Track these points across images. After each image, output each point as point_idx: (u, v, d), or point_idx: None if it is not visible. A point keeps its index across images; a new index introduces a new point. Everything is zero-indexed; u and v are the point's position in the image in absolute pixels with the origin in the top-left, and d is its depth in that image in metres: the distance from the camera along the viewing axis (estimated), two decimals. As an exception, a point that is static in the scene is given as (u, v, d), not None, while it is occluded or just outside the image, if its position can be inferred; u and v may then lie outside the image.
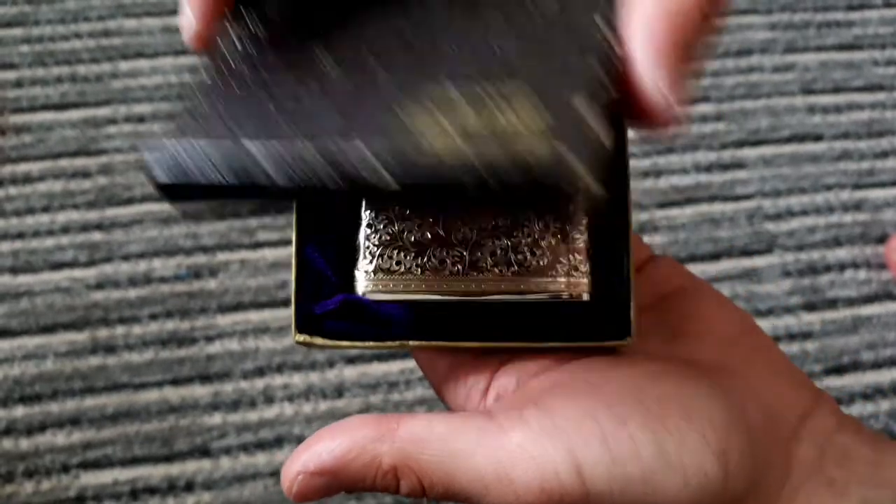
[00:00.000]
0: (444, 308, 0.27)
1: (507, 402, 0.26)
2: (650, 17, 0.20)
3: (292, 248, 0.27)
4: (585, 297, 0.27)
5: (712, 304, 0.29)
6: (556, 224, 0.27)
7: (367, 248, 0.27)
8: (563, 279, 0.26)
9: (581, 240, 0.27)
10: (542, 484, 0.23)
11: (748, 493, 0.24)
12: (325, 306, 0.27)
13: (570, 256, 0.27)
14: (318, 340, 0.27)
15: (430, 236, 0.27)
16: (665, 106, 0.20)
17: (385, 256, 0.27)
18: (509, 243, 0.27)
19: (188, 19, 0.23)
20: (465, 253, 0.27)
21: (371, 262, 0.27)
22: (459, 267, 0.27)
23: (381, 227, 0.27)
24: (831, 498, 0.25)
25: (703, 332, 0.28)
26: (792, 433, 0.26)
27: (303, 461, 0.25)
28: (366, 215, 0.27)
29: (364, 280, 0.27)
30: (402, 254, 0.27)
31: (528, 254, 0.27)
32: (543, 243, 0.27)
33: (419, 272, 0.27)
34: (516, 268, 0.27)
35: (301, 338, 0.27)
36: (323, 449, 0.25)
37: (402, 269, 0.27)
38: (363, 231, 0.27)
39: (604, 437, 0.24)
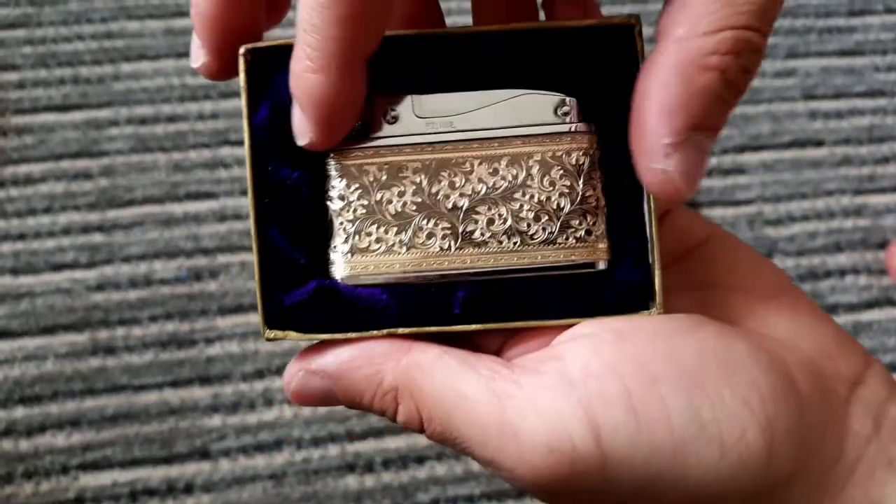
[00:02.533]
0: (433, 288, 0.23)
1: (530, 355, 0.23)
2: (670, 95, 0.20)
3: (252, 232, 0.23)
4: (602, 265, 0.23)
5: (743, 256, 0.25)
6: (564, 181, 0.23)
7: (341, 224, 0.23)
8: (575, 246, 0.23)
9: (593, 197, 0.23)
10: (552, 444, 0.20)
11: (795, 476, 0.21)
12: (296, 296, 0.23)
13: (582, 218, 0.23)
14: (292, 335, 0.23)
15: (413, 206, 0.23)
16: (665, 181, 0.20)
17: (362, 234, 0.23)
18: (509, 209, 0.23)
19: (197, 54, 0.23)
20: (456, 224, 0.23)
21: (346, 241, 0.23)
22: (451, 242, 0.23)
23: (355, 198, 0.23)
24: (893, 479, 0.21)
25: (736, 286, 0.24)
26: (844, 404, 0.22)
27: (307, 359, 0.23)
28: (336, 185, 0.23)
29: (340, 263, 0.23)
30: (382, 229, 0.23)
31: (531, 220, 0.23)
32: (549, 206, 0.23)
33: (403, 251, 0.23)
34: (518, 239, 0.23)
35: (271, 334, 0.23)
36: (329, 352, 0.23)
37: (383, 249, 0.23)
38: (334, 204, 0.23)
39: (629, 397, 0.20)
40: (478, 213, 0.23)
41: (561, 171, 0.23)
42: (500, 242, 0.23)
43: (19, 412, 0.60)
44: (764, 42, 0.20)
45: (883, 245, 0.70)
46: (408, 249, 0.23)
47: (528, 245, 0.23)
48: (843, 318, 0.67)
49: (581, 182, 0.23)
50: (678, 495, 0.21)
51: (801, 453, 0.21)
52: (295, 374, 0.24)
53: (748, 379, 0.21)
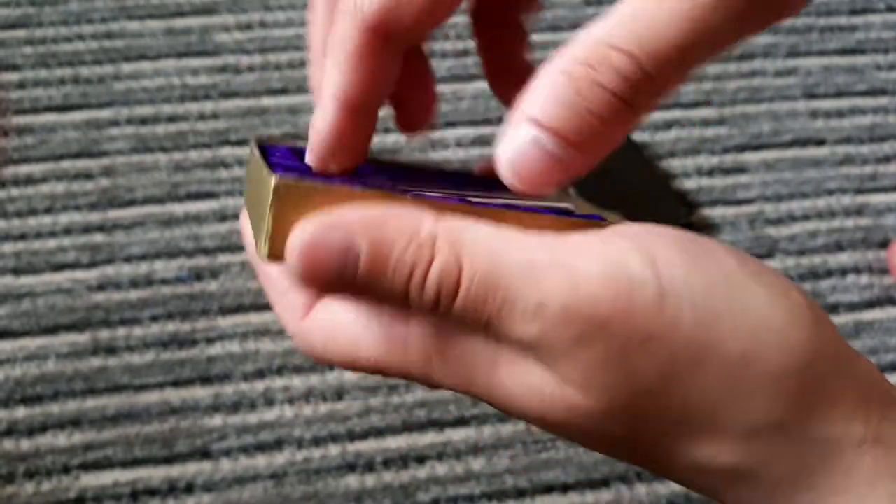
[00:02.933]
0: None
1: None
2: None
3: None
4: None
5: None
6: None
7: None
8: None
9: None
10: (608, 274, 0.19)
11: (845, 368, 0.21)
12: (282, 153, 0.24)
13: None
14: (306, 182, 0.20)
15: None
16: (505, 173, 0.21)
17: None
18: None
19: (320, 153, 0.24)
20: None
21: None
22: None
23: None
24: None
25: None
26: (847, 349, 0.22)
27: (322, 218, 0.20)
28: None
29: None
30: None
31: None
32: None
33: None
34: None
35: (277, 181, 0.20)
36: (353, 209, 0.20)
37: None
38: None
39: (682, 244, 0.20)
40: None
41: None
42: None
43: (20, 412, 0.60)
44: (634, 72, 0.20)
45: (884, 244, 0.70)
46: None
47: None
48: (844, 318, 0.66)
49: None
50: (739, 344, 0.20)
51: (842, 348, 0.21)
52: (305, 231, 0.20)
53: (793, 289, 0.21)
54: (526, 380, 0.21)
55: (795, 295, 0.21)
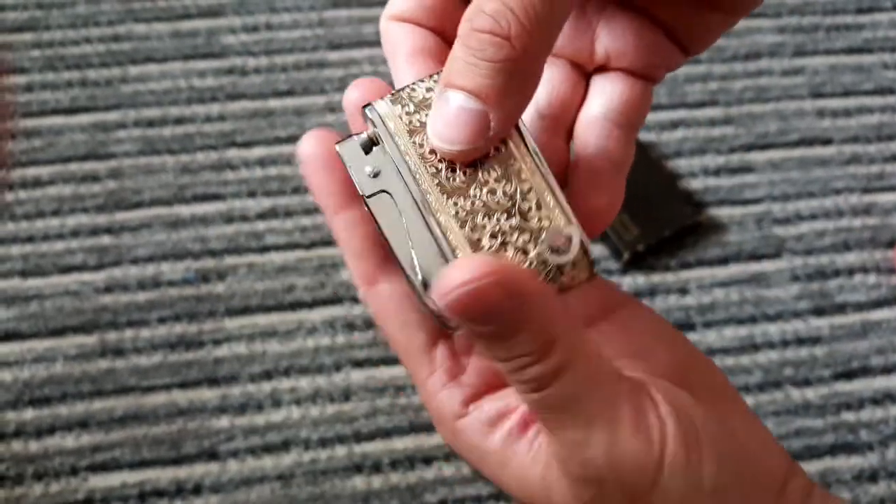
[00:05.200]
0: None
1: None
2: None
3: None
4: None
5: (649, 321, 0.27)
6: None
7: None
8: None
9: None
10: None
11: None
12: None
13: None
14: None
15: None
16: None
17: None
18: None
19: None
20: None
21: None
22: None
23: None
24: None
25: (644, 358, 0.26)
26: (779, 491, 0.25)
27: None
28: None
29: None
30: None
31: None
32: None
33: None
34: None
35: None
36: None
37: None
38: None
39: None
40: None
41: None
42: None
43: (29, 414, 0.60)
44: (504, 12, 0.21)
45: (892, 244, 0.70)
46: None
47: None
48: (851, 318, 0.66)
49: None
50: None
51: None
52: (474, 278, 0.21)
53: (697, 479, 0.24)
54: (555, 487, 0.24)
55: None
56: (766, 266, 0.68)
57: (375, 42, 0.78)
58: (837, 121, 0.75)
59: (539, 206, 0.23)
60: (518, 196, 0.23)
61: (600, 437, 0.22)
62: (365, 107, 0.25)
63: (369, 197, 0.24)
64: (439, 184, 0.24)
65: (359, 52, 0.77)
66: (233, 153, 0.71)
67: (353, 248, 0.26)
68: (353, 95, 0.26)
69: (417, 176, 0.24)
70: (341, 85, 0.75)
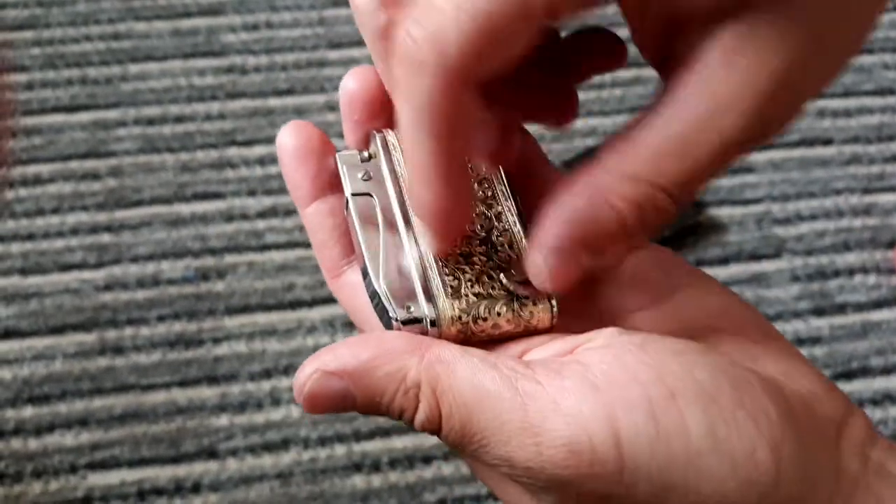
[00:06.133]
0: None
1: (547, 358, 0.23)
2: (564, 215, 0.22)
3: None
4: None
5: (728, 300, 0.26)
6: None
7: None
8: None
9: None
10: (572, 446, 0.21)
11: (800, 501, 0.21)
12: None
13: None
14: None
15: None
16: (538, 280, 0.23)
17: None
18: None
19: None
20: None
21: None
22: None
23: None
24: None
25: (723, 329, 0.25)
26: (834, 442, 0.23)
27: (322, 360, 0.22)
28: None
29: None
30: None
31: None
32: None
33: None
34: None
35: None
36: (347, 352, 0.22)
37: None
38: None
39: (650, 406, 0.21)
40: None
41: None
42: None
43: (28, 411, 0.60)
44: (673, 206, 0.22)
45: (892, 244, 0.69)
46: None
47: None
48: (851, 318, 0.66)
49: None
50: None
51: (805, 484, 0.21)
52: (309, 377, 0.22)
53: (757, 402, 0.21)
54: (506, 489, 0.23)
55: (760, 455, 0.21)
56: (766, 266, 0.68)
57: (376, 41, 0.78)
58: (838, 121, 0.75)
59: (511, 245, 0.25)
60: (494, 232, 0.25)
61: (522, 454, 0.21)
62: (376, 133, 0.26)
63: (354, 195, 0.25)
64: None
65: (359, 51, 0.77)
66: (233, 152, 0.71)
67: (321, 238, 0.26)
68: (349, 85, 0.26)
69: (406, 194, 0.25)
70: (342, 84, 0.75)
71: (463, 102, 0.20)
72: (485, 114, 0.22)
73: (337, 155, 0.26)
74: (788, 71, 0.20)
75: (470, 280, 0.24)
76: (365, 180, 0.25)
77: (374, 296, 0.24)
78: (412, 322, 0.23)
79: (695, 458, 0.21)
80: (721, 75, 0.21)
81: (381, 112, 0.26)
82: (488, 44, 0.19)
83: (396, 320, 0.23)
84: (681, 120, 0.21)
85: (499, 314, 0.24)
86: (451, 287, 0.24)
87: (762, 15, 0.20)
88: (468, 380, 0.22)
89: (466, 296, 0.24)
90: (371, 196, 0.25)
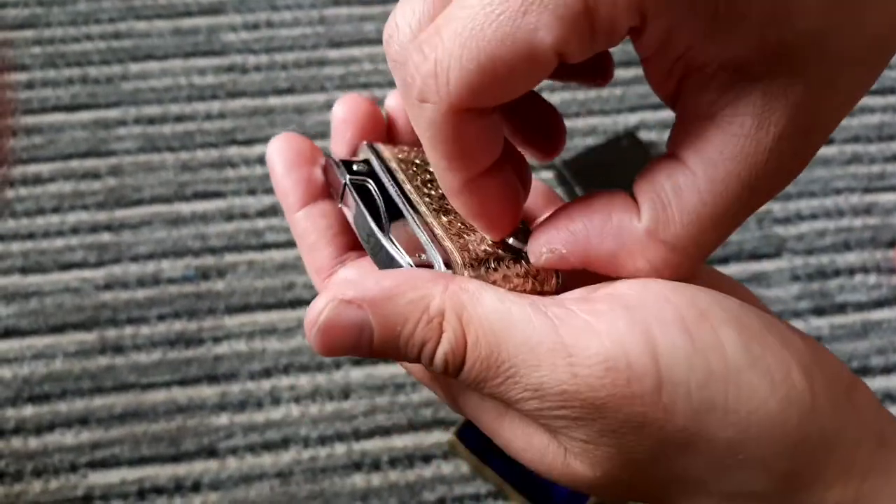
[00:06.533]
0: None
1: (573, 291, 0.23)
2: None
3: None
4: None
5: (727, 282, 0.26)
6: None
7: None
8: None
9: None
10: (608, 363, 0.20)
11: (833, 441, 0.21)
12: None
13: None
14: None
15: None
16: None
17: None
18: None
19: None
20: None
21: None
22: None
23: None
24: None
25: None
26: (848, 395, 0.22)
27: (341, 288, 0.21)
28: None
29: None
30: None
31: None
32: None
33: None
34: None
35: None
36: (368, 279, 0.21)
37: None
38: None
39: (684, 323, 0.20)
40: None
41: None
42: None
43: (28, 410, 0.60)
44: (695, 267, 0.22)
45: (892, 244, 0.69)
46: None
47: None
48: (851, 318, 0.66)
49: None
50: (728, 434, 0.20)
51: (835, 418, 0.21)
52: (324, 308, 0.21)
53: (783, 332, 0.21)
54: (528, 439, 0.22)
55: (795, 376, 0.21)
56: (767, 265, 0.68)
57: (376, 40, 0.78)
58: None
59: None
60: None
61: (554, 377, 0.20)
62: (367, 143, 0.26)
63: (352, 181, 0.25)
64: (426, 194, 0.25)
65: (359, 50, 0.77)
66: (233, 151, 0.71)
67: (312, 240, 0.26)
68: (339, 111, 0.27)
69: (405, 185, 0.25)
70: (341, 83, 0.75)
71: (468, 129, 0.21)
72: (500, 131, 0.22)
73: (329, 156, 0.26)
74: (815, 125, 0.20)
75: (475, 241, 0.24)
76: (359, 171, 0.25)
77: (381, 252, 0.24)
78: (425, 267, 0.23)
79: (734, 374, 0.20)
80: (757, 136, 0.20)
81: (370, 133, 0.27)
82: (491, 83, 0.20)
83: (411, 265, 0.23)
84: (717, 186, 0.21)
85: (508, 267, 0.24)
86: (460, 244, 0.24)
87: (788, 72, 0.20)
88: (495, 306, 0.21)
89: (475, 251, 0.24)
90: (367, 182, 0.25)
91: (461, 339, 0.21)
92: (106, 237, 0.67)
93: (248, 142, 0.72)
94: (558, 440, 0.22)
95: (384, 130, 0.27)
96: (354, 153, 0.27)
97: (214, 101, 0.74)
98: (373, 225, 0.24)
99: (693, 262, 0.22)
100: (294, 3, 0.79)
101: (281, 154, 0.26)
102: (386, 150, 0.26)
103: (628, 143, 0.71)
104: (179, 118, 0.73)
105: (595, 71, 0.25)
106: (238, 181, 0.70)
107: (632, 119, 0.73)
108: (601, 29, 0.19)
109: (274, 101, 0.74)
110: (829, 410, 0.21)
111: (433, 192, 0.25)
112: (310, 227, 0.26)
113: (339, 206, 0.26)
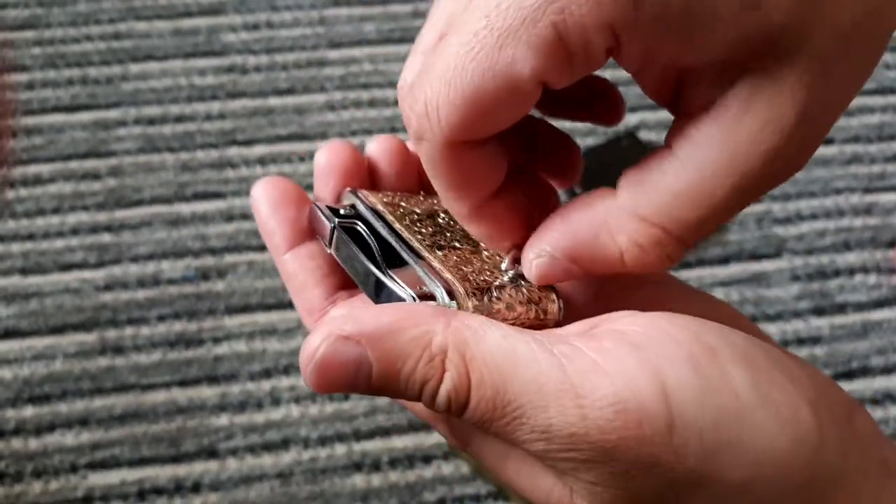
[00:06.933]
0: None
1: (572, 325, 0.23)
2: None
3: None
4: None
5: (697, 295, 0.26)
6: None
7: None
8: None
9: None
10: (618, 405, 0.19)
11: (841, 476, 0.21)
12: None
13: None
14: None
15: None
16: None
17: None
18: None
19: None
20: None
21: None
22: None
23: None
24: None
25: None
26: (849, 424, 0.22)
27: (338, 324, 0.20)
28: None
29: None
30: None
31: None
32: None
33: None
34: None
35: None
36: (367, 314, 0.21)
37: None
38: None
39: (694, 360, 0.20)
40: None
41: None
42: None
43: (28, 411, 0.60)
44: (680, 249, 0.22)
45: (893, 244, 0.69)
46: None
47: None
48: (852, 318, 0.66)
49: None
50: (738, 475, 0.20)
51: (841, 453, 0.21)
52: (322, 341, 0.20)
53: (789, 367, 0.21)
54: (533, 480, 0.22)
55: (803, 413, 0.20)
56: (767, 266, 0.68)
57: (376, 40, 0.78)
58: (839, 120, 0.75)
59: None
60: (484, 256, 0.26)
61: (563, 419, 0.19)
62: (350, 189, 0.27)
63: (341, 224, 0.25)
64: (417, 231, 0.25)
65: (359, 51, 0.77)
66: (233, 151, 0.71)
67: (300, 281, 0.26)
68: (321, 158, 0.27)
69: (394, 224, 0.25)
70: (341, 83, 0.75)
71: (466, 160, 0.22)
72: (501, 158, 0.23)
73: (315, 203, 0.26)
74: (803, 114, 0.20)
75: (474, 272, 0.24)
76: (346, 215, 0.26)
77: (381, 290, 0.23)
78: (427, 298, 0.22)
79: (744, 413, 0.20)
80: (740, 120, 0.20)
81: (354, 179, 0.27)
82: (478, 115, 0.20)
83: (414, 298, 0.22)
84: (698, 165, 0.21)
85: (510, 295, 0.24)
86: (460, 275, 0.24)
87: (773, 63, 0.20)
88: (499, 344, 0.20)
89: (475, 281, 0.24)
90: (357, 224, 0.25)
91: (465, 377, 0.20)
92: (106, 238, 0.67)
93: (248, 142, 0.72)
94: (564, 481, 0.21)
95: (367, 176, 0.28)
96: (338, 200, 0.27)
97: (214, 102, 0.74)
98: (368, 263, 0.24)
99: (675, 241, 0.22)
100: (294, 3, 0.79)
101: (266, 194, 0.26)
102: (371, 196, 0.26)
103: (628, 143, 0.71)
104: (179, 119, 0.73)
105: (604, 110, 0.26)
106: (238, 181, 0.70)
107: (632, 119, 0.74)
108: (577, 53, 0.19)
109: (274, 101, 0.74)
110: (836, 444, 0.21)
111: (424, 230, 0.25)
112: (298, 268, 0.26)
113: (328, 251, 0.25)
